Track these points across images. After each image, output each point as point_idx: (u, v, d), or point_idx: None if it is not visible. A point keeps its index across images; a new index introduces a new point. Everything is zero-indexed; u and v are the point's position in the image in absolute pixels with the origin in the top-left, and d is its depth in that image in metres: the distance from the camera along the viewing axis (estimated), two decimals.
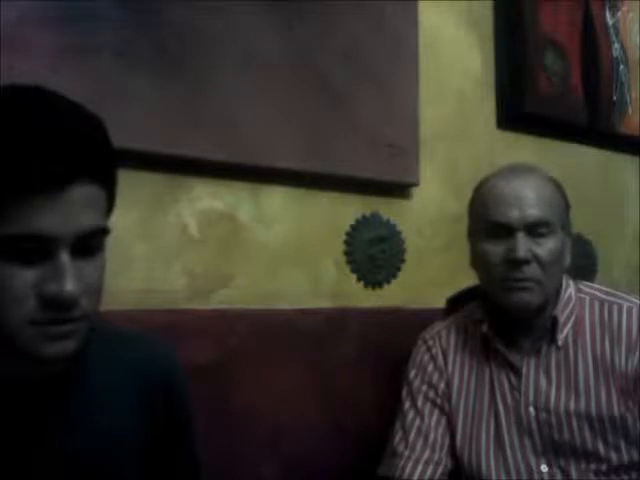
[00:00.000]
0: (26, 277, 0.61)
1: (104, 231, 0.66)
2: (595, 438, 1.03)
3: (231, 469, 1.18)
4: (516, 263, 1.04)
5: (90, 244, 0.64)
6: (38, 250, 0.61)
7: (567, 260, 1.11)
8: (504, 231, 1.06)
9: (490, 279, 1.09)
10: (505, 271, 1.05)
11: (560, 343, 1.08)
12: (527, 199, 1.05)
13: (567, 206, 1.12)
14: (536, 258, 1.04)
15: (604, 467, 1.03)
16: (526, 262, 1.03)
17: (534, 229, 1.05)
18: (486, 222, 1.08)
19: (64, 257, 0.61)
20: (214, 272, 1.27)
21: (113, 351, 0.77)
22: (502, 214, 1.06)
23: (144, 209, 1.19)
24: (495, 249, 1.07)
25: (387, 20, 1.50)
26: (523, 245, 1.04)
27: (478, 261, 1.12)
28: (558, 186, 1.12)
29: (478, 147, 1.72)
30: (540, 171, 1.13)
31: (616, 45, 2.04)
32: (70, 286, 0.61)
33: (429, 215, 1.62)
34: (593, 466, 1.03)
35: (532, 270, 1.04)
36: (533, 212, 1.05)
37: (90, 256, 0.65)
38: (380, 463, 1.17)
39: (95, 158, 0.63)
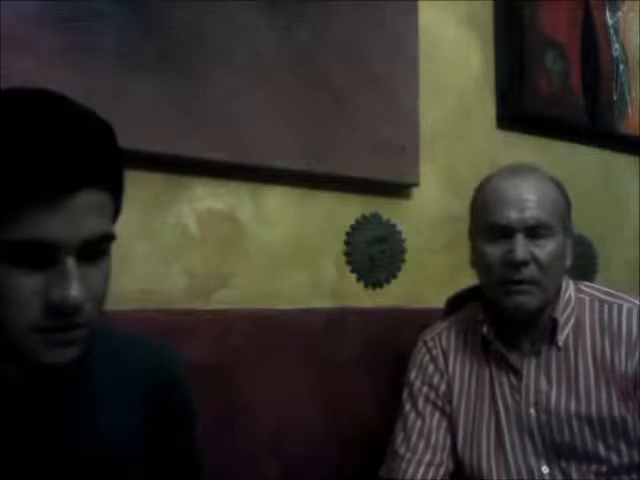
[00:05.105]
0: (31, 283, 0.60)
1: (110, 237, 0.65)
2: (595, 439, 1.03)
3: (231, 469, 1.18)
4: (514, 265, 1.03)
5: (95, 250, 0.64)
6: (43, 256, 0.60)
7: (568, 261, 1.10)
8: (503, 232, 1.05)
9: (489, 280, 1.09)
10: (504, 272, 1.05)
11: (560, 344, 1.08)
12: (527, 201, 1.05)
13: (569, 206, 1.11)
14: (535, 260, 1.04)
15: (604, 468, 1.03)
16: (524, 264, 1.03)
17: (534, 231, 1.04)
18: (486, 223, 1.08)
19: (69, 263, 0.61)
20: (214, 272, 1.27)
21: (116, 352, 0.77)
22: (501, 215, 1.05)
23: (144, 209, 1.19)
24: (494, 250, 1.06)
25: (387, 20, 1.50)
26: (522, 247, 1.03)
27: (478, 261, 1.12)
28: (559, 186, 1.11)
29: (478, 147, 1.72)
30: (542, 171, 1.12)
31: (616, 45, 2.03)
32: (75, 292, 0.60)
33: (429, 215, 1.62)
34: (593, 467, 1.03)
35: (530, 272, 1.03)
36: (533, 214, 1.04)
37: (95, 262, 0.64)
38: (381, 465, 1.17)
39: (102, 165, 0.63)
